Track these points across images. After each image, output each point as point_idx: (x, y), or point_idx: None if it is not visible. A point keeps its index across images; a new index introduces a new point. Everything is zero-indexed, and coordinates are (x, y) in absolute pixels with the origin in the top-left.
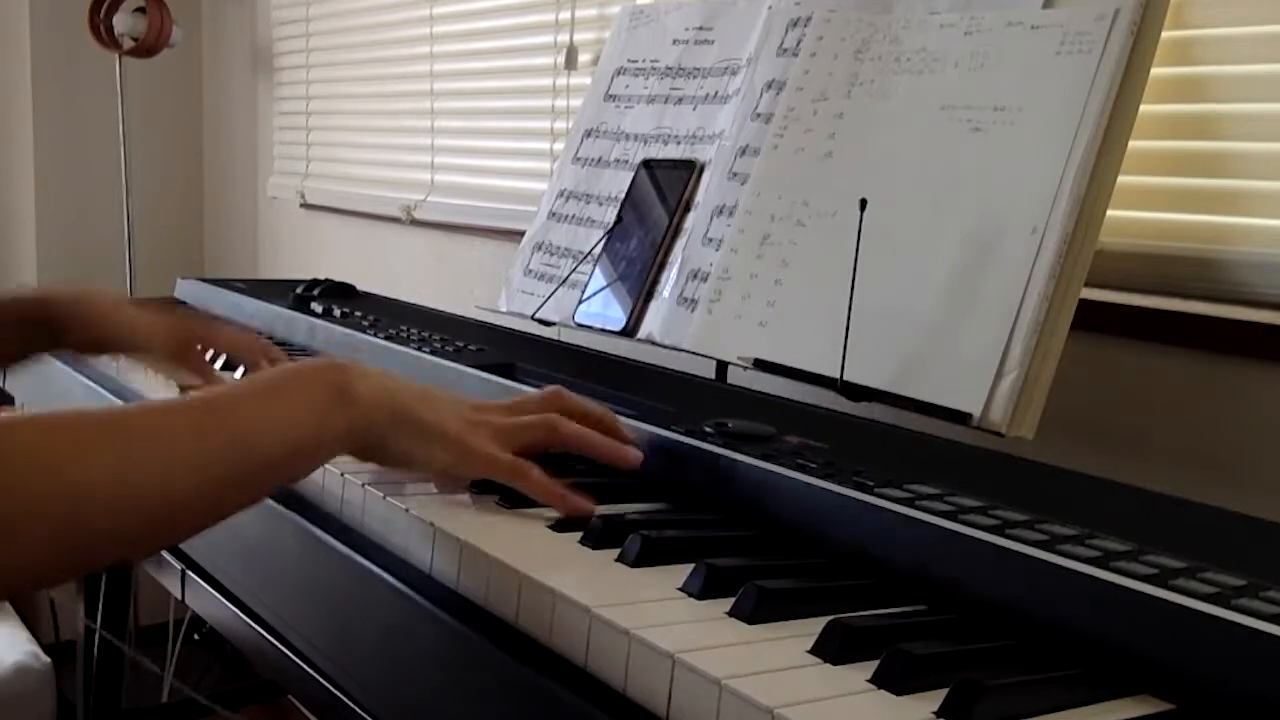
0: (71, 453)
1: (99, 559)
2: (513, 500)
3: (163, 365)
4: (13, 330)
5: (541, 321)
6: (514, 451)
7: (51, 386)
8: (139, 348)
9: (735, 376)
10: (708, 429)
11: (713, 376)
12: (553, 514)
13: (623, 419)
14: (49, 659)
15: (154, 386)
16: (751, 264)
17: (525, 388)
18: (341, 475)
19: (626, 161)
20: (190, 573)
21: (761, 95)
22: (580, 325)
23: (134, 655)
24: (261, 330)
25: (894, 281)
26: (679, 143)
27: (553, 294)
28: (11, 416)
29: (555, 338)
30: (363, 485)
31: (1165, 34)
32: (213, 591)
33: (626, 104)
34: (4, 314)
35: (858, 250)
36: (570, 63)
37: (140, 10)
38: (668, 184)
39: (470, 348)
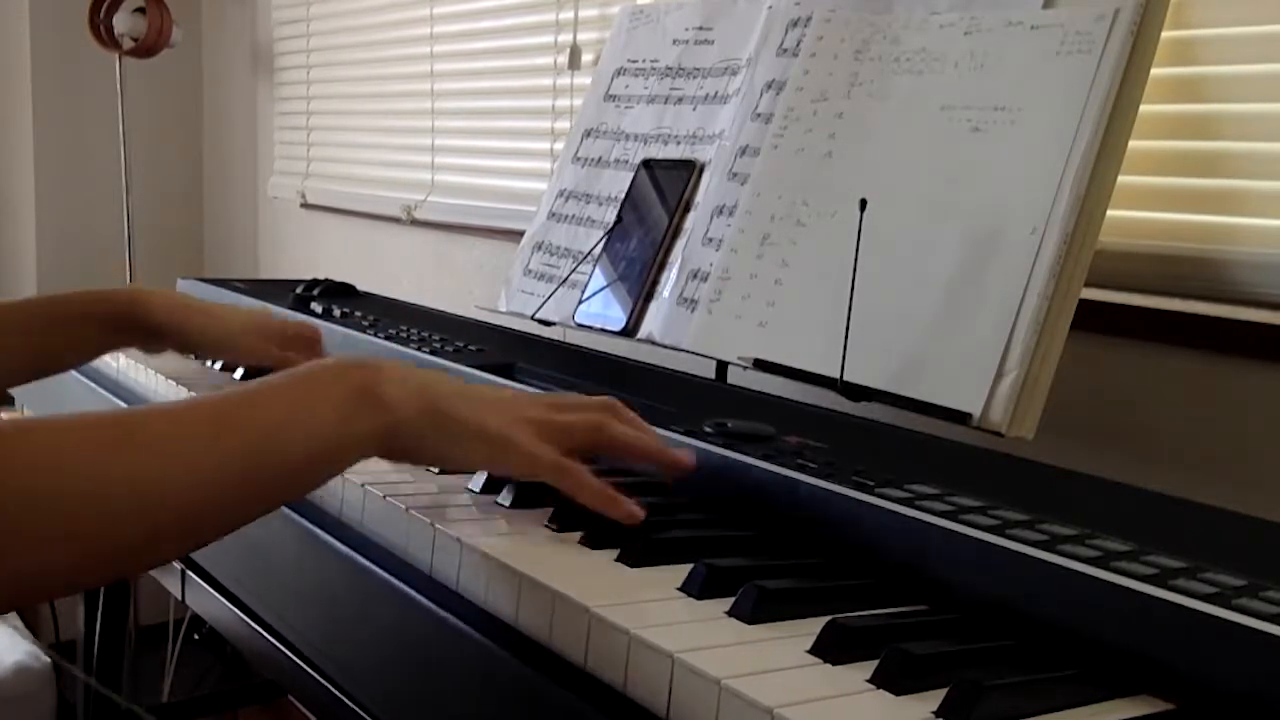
0: (89, 456)
1: (124, 564)
2: (515, 501)
3: (243, 362)
4: (96, 326)
5: (541, 321)
6: (561, 452)
7: (51, 387)
8: (225, 346)
9: (735, 376)
10: (708, 429)
11: (713, 376)
12: (551, 514)
13: None
14: (49, 659)
15: (155, 385)
16: (751, 264)
17: (525, 388)
18: (341, 475)
19: (626, 161)
20: (190, 573)
21: (761, 95)
22: (580, 325)
23: (125, 704)
24: None
25: (894, 281)
26: (679, 143)
27: (553, 294)
28: (24, 419)
29: (555, 338)
30: (362, 485)
31: (1165, 34)
32: (213, 591)
33: (626, 104)
34: (90, 309)
35: (858, 250)
36: (573, 62)
37: (140, 10)
38: (668, 184)
39: (470, 348)
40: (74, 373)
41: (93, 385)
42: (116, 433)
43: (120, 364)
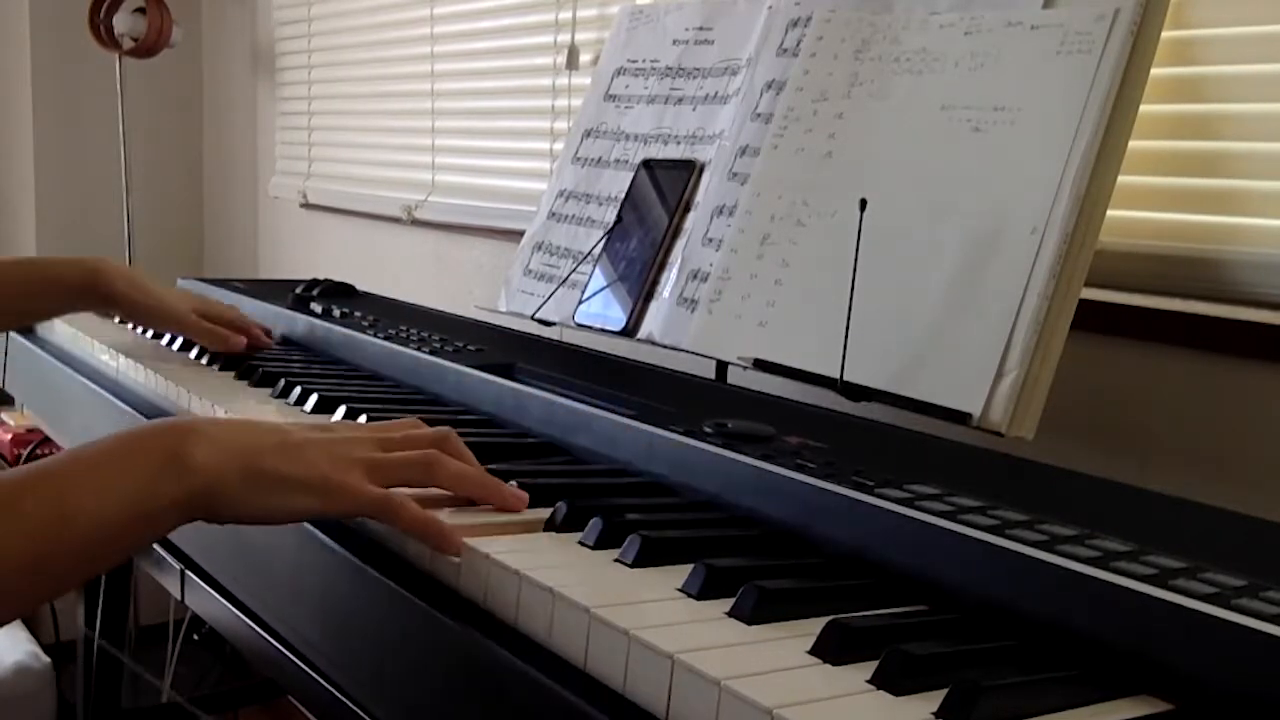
0: None
1: None
2: None
3: (196, 333)
4: (63, 290)
5: (541, 321)
6: (388, 487)
7: (51, 387)
8: (166, 320)
9: (735, 376)
10: (707, 429)
11: (713, 376)
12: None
13: (621, 419)
14: (49, 659)
15: (155, 385)
16: (751, 264)
17: (525, 388)
18: None
19: (626, 161)
20: (190, 573)
21: (761, 95)
22: (580, 325)
23: (131, 664)
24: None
25: (894, 281)
26: (679, 143)
27: (552, 294)
28: None
29: (555, 338)
30: None
31: (1165, 34)
32: (213, 592)
33: (626, 104)
34: (61, 273)
35: (858, 250)
36: (572, 63)
37: (140, 10)
38: (668, 184)
39: (470, 348)
40: (74, 373)
41: (93, 385)
42: None
43: (120, 364)
